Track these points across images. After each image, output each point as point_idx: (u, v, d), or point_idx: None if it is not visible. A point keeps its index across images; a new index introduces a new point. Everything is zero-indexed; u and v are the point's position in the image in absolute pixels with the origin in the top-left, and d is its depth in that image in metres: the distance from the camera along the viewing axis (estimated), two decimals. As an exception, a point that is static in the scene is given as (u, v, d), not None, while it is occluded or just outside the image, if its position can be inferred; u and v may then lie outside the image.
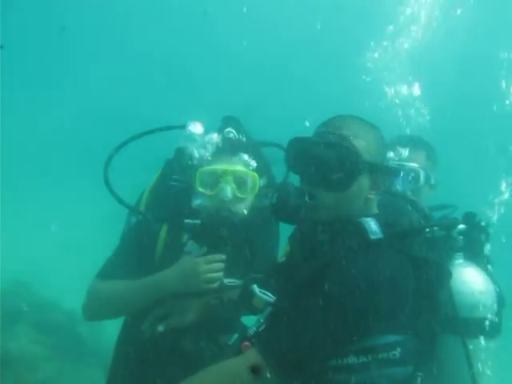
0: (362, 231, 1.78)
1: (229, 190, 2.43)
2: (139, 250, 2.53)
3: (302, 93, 13.70)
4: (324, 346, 1.66)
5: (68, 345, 6.81)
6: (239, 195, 2.47)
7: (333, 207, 1.84)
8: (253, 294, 1.99)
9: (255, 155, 2.54)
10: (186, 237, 2.54)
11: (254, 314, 2.16)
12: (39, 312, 7.12)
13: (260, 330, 1.80)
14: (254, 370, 1.66)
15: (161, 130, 2.65)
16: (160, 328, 2.49)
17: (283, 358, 1.66)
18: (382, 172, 1.87)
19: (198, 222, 2.46)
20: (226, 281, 2.57)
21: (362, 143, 1.84)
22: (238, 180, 2.47)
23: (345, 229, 1.81)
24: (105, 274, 2.54)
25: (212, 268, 2.44)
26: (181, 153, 2.63)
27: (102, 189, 2.50)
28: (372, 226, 1.80)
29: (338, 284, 1.69)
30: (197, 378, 1.70)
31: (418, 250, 1.82)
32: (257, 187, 2.51)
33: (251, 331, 1.82)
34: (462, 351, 1.87)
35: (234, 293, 2.43)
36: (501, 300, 2.06)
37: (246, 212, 2.53)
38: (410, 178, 2.87)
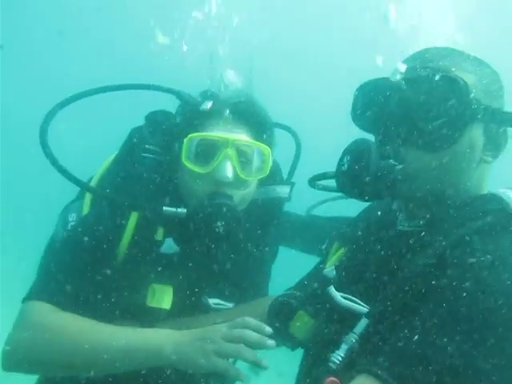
0: (500, 203, 1.20)
1: (229, 168, 1.69)
2: (95, 256, 1.66)
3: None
4: (466, 375, 1.04)
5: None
6: (242, 176, 1.73)
7: (432, 175, 1.24)
8: (296, 308, 1.37)
9: (265, 125, 1.82)
10: (161, 232, 1.75)
11: (289, 346, 1.45)
12: None
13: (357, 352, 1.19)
14: None
15: (137, 87, 1.85)
16: None
17: None
18: (503, 122, 1.26)
19: (182, 210, 1.70)
20: (212, 302, 1.83)
21: (471, 77, 1.26)
22: (243, 155, 1.74)
23: (466, 204, 1.24)
24: (56, 299, 1.59)
25: (240, 336, 1.43)
26: (155, 117, 1.85)
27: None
28: None
29: (477, 278, 1.10)
30: None
31: None
32: (268, 167, 1.77)
33: (336, 360, 1.19)
34: None
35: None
36: None
37: (246, 203, 1.80)
38: None
